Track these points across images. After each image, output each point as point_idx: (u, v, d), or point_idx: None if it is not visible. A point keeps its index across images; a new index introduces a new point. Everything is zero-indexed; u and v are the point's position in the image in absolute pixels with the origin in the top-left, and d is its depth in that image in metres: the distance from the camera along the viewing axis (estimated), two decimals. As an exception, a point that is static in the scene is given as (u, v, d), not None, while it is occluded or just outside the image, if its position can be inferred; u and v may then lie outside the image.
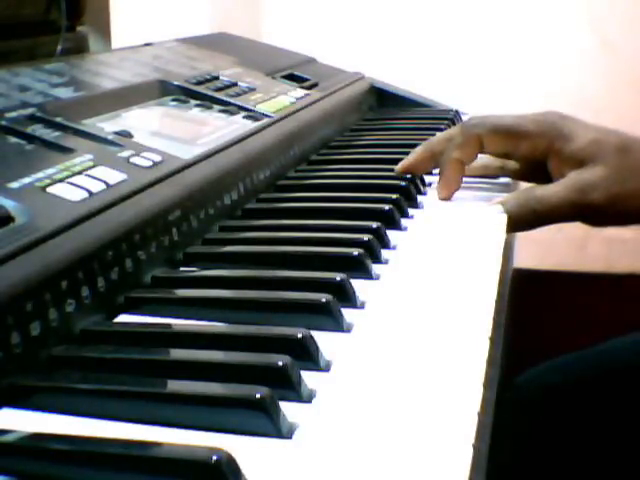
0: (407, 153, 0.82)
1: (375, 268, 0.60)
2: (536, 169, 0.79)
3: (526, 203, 0.74)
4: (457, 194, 0.79)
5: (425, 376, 0.45)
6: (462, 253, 0.65)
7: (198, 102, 0.84)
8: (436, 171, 0.81)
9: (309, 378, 0.44)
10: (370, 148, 0.95)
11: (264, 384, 0.40)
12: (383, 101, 1.20)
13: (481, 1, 1.79)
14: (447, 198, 0.78)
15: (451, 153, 0.77)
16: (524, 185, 0.86)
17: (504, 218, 0.73)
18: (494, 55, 1.77)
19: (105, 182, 0.56)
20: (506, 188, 0.85)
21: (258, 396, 0.39)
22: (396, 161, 0.84)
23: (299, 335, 0.46)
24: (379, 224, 0.65)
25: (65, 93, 0.72)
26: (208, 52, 1.05)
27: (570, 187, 0.75)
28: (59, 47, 1.01)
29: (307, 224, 0.68)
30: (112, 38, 1.19)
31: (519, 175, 0.86)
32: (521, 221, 0.74)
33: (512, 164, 0.83)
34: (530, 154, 0.78)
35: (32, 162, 0.57)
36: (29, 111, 0.65)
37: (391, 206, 0.70)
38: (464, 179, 0.79)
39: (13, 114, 0.63)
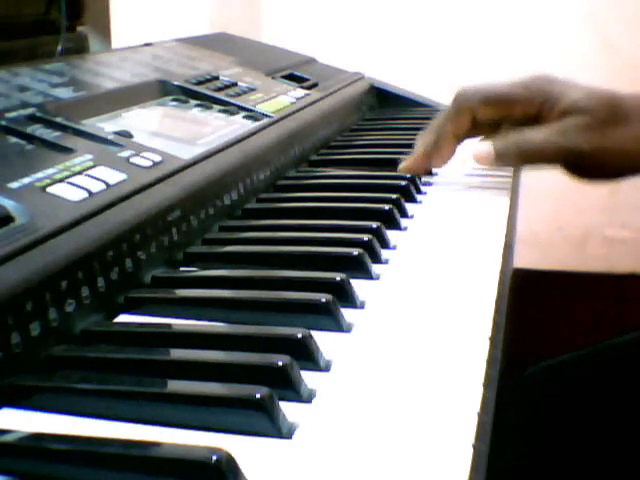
0: (407, 153, 0.82)
1: (375, 268, 0.60)
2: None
3: (513, 141, 0.77)
4: (457, 194, 0.79)
5: (425, 376, 0.45)
6: (462, 253, 0.65)
7: (198, 102, 0.84)
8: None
9: (309, 378, 0.44)
10: (370, 148, 0.95)
11: (264, 384, 0.40)
12: (383, 101, 1.20)
13: (481, 1, 1.79)
14: (440, 166, 0.81)
15: (444, 126, 0.79)
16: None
17: (504, 217, 0.73)
18: (494, 55, 1.77)
19: (105, 182, 0.56)
20: (507, 186, 0.85)
21: (258, 396, 0.39)
22: (396, 161, 0.84)
23: (299, 335, 0.46)
24: (379, 224, 0.65)
25: (65, 93, 0.72)
26: (208, 52, 1.05)
27: (555, 129, 0.76)
28: (59, 47, 1.01)
29: (307, 224, 0.68)
30: (112, 38, 1.19)
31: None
32: (508, 158, 0.77)
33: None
34: (522, 118, 0.79)
35: (32, 162, 0.57)
36: (29, 111, 0.65)
37: (391, 206, 0.70)
38: (465, 179, 0.80)
39: (13, 114, 0.64)
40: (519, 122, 0.81)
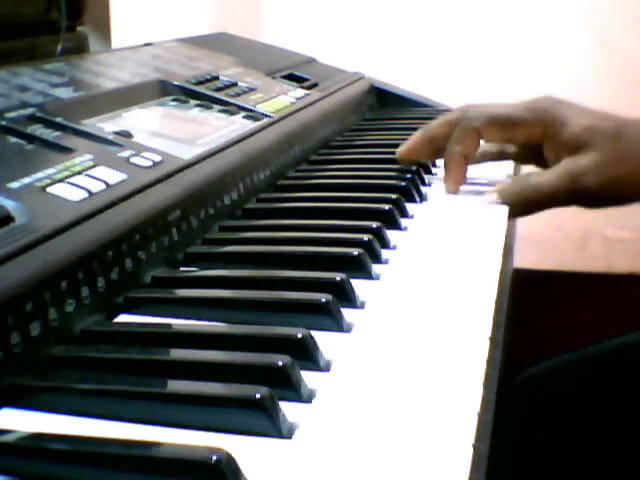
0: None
1: (375, 268, 0.60)
2: (534, 152, 0.81)
3: (521, 191, 0.77)
4: (457, 194, 0.79)
5: (425, 376, 0.45)
6: (462, 253, 0.65)
7: (198, 102, 0.84)
8: (439, 164, 0.81)
9: (309, 378, 0.44)
10: (370, 148, 0.95)
11: (264, 384, 0.40)
12: (383, 101, 1.20)
13: (480, 1, 1.79)
14: (454, 192, 0.80)
15: (452, 148, 0.79)
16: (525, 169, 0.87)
17: (504, 217, 0.73)
18: (493, 55, 1.77)
19: (105, 182, 0.56)
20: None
21: (258, 396, 0.39)
22: (396, 161, 0.84)
23: (299, 335, 0.46)
24: (379, 224, 0.65)
25: (65, 93, 0.72)
26: (208, 52, 1.05)
27: (563, 174, 0.76)
28: (59, 47, 1.01)
29: (307, 224, 0.68)
30: (112, 38, 1.19)
31: (518, 158, 0.87)
32: (517, 208, 0.77)
33: (511, 147, 0.85)
34: (526, 141, 0.80)
35: (32, 162, 0.57)
36: (29, 111, 0.65)
37: (391, 206, 0.70)
38: (466, 179, 0.80)
39: (13, 114, 0.63)
40: (523, 145, 0.82)
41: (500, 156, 0.87)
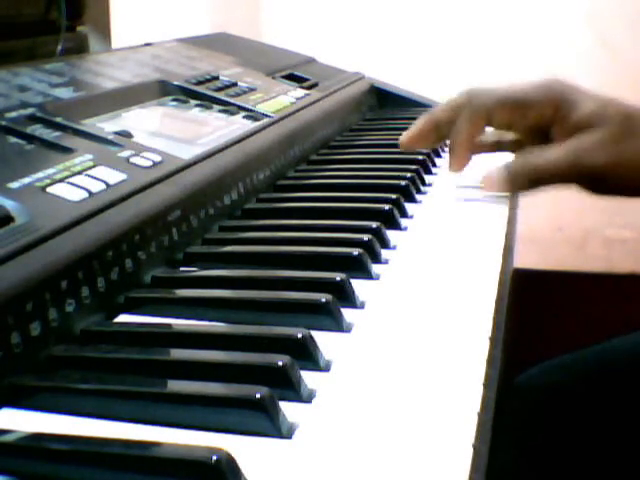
0: (407, 153, 0.82)
1: (375, 268, 0.60)
2: (537, 138, 0.79)
3: (526, 161, 0.75)
4: (457, 194, 0.79)
5: (425, 376, 0.45)
6: (462, 253, 0.65)
7: (198, 102, 0.84)
8: (439, 164, 0.81)
9: (309, 378, 0.44)
10: (370, 148, 0.95)
11: (264, 384, 0.40)
12: (383, 101, 1.20)
13: (481, 1, 1.79)
14: (458, 171, 0.78)
15: (460, 128, 0.77)
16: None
17: (504, 218, 0.73)
18: (494, 54, 1.77)
19: (105, 182, 0.56)
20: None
21: (258, 396, 0.39)
22: (396, 161, 0.84)
23: (299, 335, 0.46)
24: (379, 224, 0.65)
25: (65, 93, 0.72)
26: (208, 52, 1.05)
27: (569, 148, 0.75)
28: (59, 47, 1.01)
29: (307, 224, 0.68)
30: (112, 38, 1.19)
31: (518, 147, 0.85)
32: (522, 181, 0.75)
33: (509, 137, 0.83)
34: (536, 123, 0.77)
35: (32, 162, 0.57)
36: (29, 111, 0.65)
37: (391, 206, 0.70)
38: (466, 179, 0.79)
39: (13, 114, 0.64)
40: (530, 128, 0.79)
41: (497, 147, 0.86)
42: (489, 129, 0.81)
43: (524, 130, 0.81)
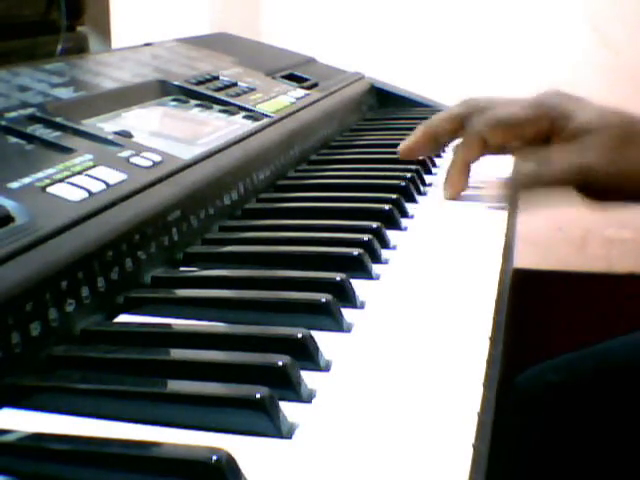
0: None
1: (375, 268, 0.60)
2: (539, 145, 0.79)
3: (530, 176, 0.75)
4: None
5: (425, 376, 0.45)
6: (462, 253, 0.65)
7: (198, 102, 0.84)
8: (439, 164, 0.81)
9: (309, 378, 0.44)
10: (370, 148, 0.95)
11: (264, 384, 0.40)
12: (383, 101, 1.20)
13: (481, 1, 1.79)
14: (453, 198, 0.79)
15: (456, 155, 0.78)
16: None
17: (504, 218, 0.73)
18: (494, 54, 1.77)
19: (105, 182, 0.56)
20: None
21: (258, 396, 0.39)
22: (396, 161, 0.84)
23: (299, 335, 0.46)
24: (379, 224, 0.65)
25: (65, 93, 0.72)
26: (208, 52, 1.05)
27: (571, 148, 0.75)
28: (59, 47, 1.01)
29: (307, 224, 0.68)
30: (112, 38, 1.19)
31: (517, 148, 0.86)
32: (524, 182, 0.75)
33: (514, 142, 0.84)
34: (533, 138, 0.78)
35: (32, 162, 0.57)
36: (29, 111, 0.65)
37: (391, 206, 0.70)
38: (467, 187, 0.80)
39: (13, 114, 0.64)
40: (529, 142, 0.79)
41: (501, 150, 0.86)
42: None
43: (523, 144, 0.81)
